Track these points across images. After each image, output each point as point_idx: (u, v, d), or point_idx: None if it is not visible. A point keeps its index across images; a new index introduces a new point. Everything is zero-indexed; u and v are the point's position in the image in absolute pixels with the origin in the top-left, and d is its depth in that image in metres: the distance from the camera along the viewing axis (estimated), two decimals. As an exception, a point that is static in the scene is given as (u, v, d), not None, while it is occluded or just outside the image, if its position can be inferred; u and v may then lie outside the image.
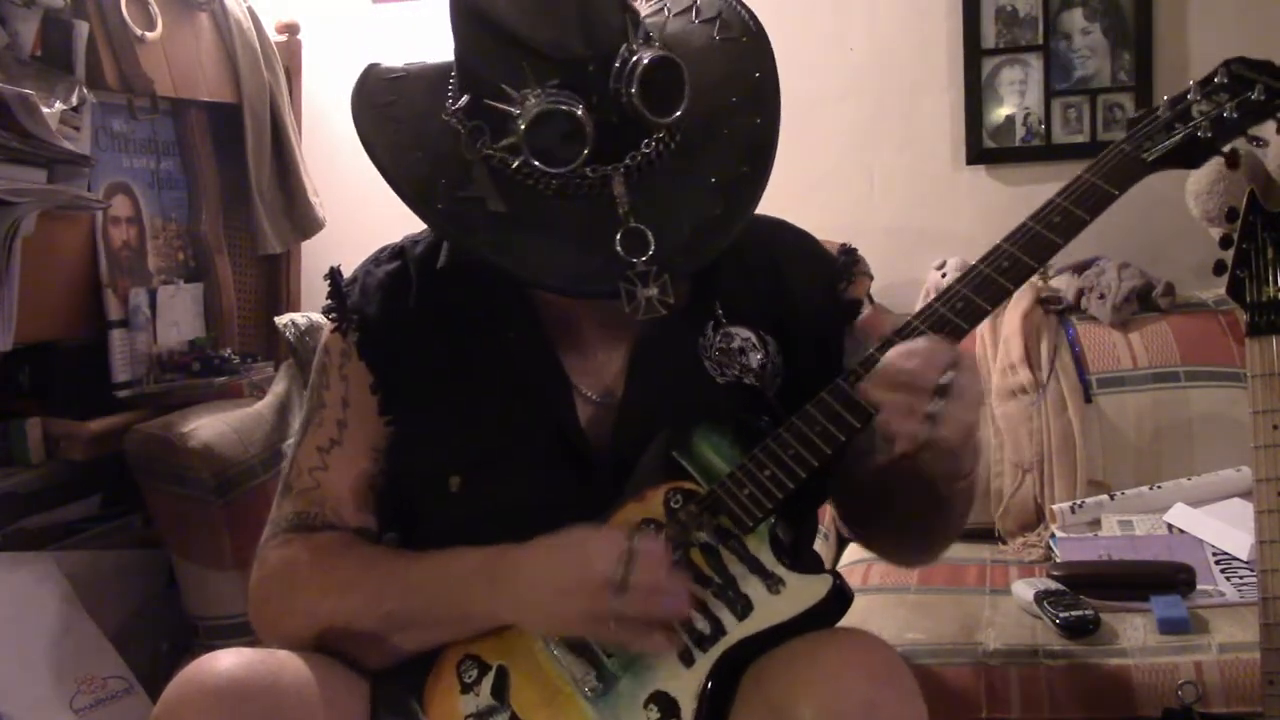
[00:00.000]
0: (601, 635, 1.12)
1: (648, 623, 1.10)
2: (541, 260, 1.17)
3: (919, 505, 1.24)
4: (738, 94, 1.21)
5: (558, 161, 1.14)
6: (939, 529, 1.32)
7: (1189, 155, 1.25)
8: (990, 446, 2.14)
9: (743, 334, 1.26)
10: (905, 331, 1.16)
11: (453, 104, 1.20)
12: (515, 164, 1.16)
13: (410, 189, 1.20)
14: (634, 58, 1.13)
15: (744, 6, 1.25)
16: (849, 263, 1.37)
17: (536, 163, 1.14)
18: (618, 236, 1.14)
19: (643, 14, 1.33)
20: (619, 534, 1.12)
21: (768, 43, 1.23)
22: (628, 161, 1.16)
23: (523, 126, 1.13)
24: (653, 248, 1.14)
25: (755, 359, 1.25)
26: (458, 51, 1.21)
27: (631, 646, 1.11)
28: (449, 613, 1.18)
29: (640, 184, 1.16)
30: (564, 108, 1.12)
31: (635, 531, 1.13)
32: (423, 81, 1.25)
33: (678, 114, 1.16)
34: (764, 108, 1.20)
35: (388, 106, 1.26)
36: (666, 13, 1.29)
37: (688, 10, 1.28)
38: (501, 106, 1.15)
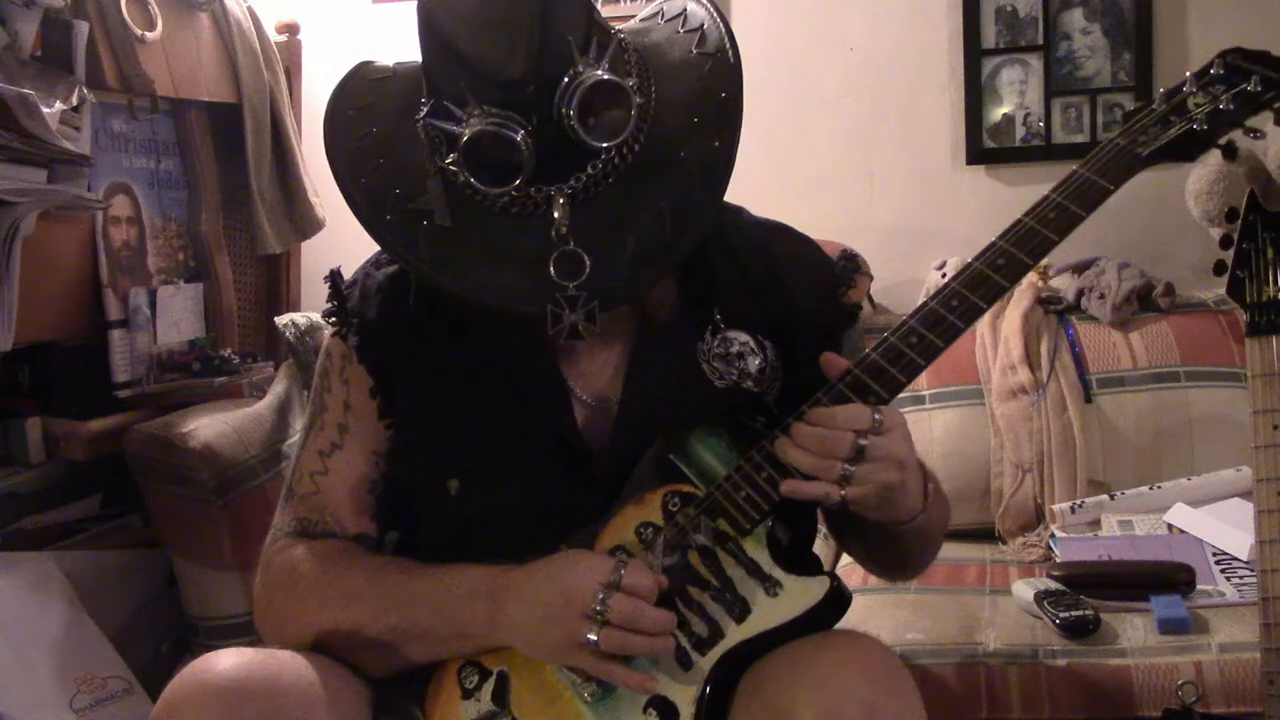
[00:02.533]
0: (583, 664, 1.12)
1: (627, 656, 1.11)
2: (479, 277, 1.16)
3: (875, 539, 1.28)
4: (701, 114, 1.18)
5: (495, 182, 1.13)
6: (900, 561, 1.35)
7: (1185, 148, 1.25)
8: (990, 446, 2.15)
9: (741, 338, 1.26)
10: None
11: (421, 112, 1.19)
12: (461, 179, 1.15)
13: (363, 199, 1.20)
14: (576, 80, 1.11)
15: (724, 22, 1.23)
16: (850, 269, 1.37)
17: (474, 181, 1.14)
18: (552, 258, 1.13)
19: (639, 17, 1.32)
20: (605, 563, 1.12)
21: (739, 62, 1.20)
22: (572, 183, 1.14)
23: (461, 145, 1.12)
24: (587, 272, 1.13)
25: (754, 364, 1.25)
26: (422, 62, 1.21)
27: (610, 678, 1.12)
28: (449, 630, 1.18)
29: (585, 205, 1.15)
30: (500, 131, 1.11)
31: (623, 560, 1.12)
32: (406, 84, 1.24)
33: (620, 139, 1.14)
34: (724, 130, 1.17)
35: (364, 110, 1.25)
36: (660, 18, 1.28)
37: (677, 17, 1.26)
38: (444, 125, 1.14)
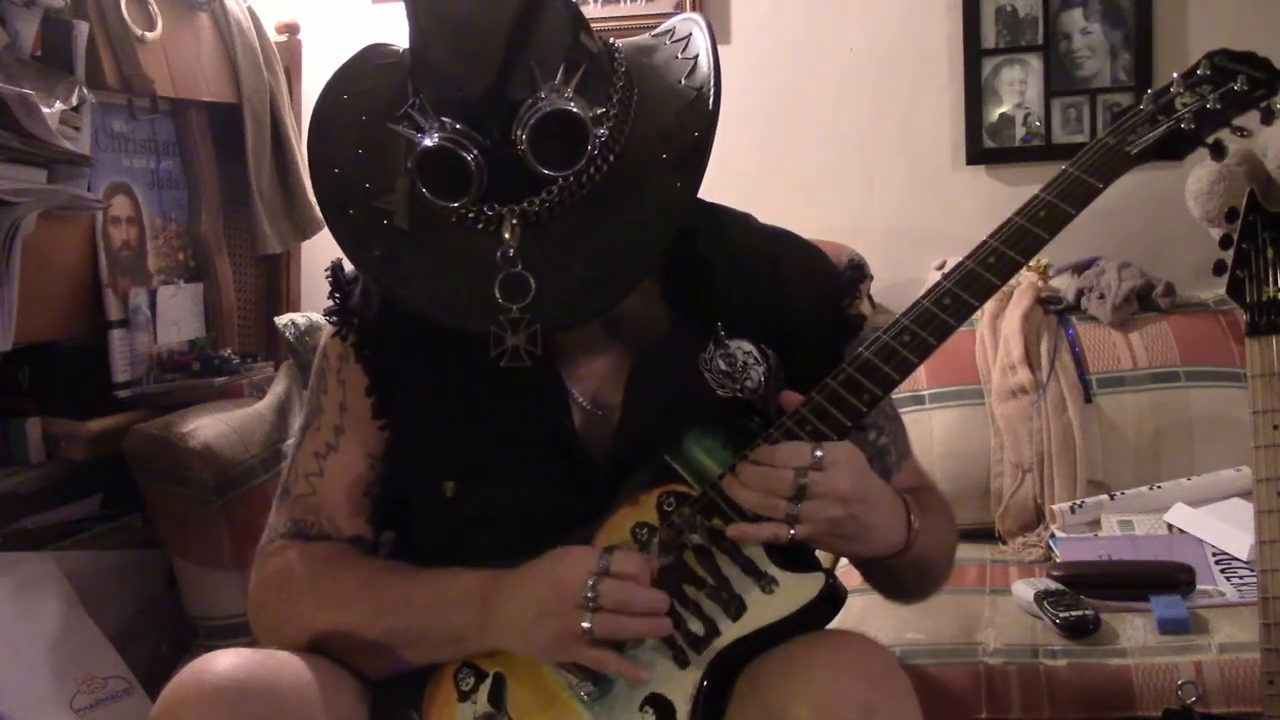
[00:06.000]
0: (581, 657, 1.11)
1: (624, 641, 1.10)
2: (424, 285, 1.16)
3: (866, 566, 1.27)
4: (670, 151, 1.17)
5: (446, 196, 1.13)
6: (896, 588, 1.34)
7: (1173, 147, 1.26)
8: (990, 446, 2.15)
9: (745, 348, 1.26)
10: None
11: (401, 110, 1.17)
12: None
13: (329, 191, 1.20)
14: (534, 107, 1.10)
15: (715, 58, 1.21)
16: (855, 279, 1.36)
17: (426, 193, 1.13)
18: (498, 279, 1.13)
19: (655, 31, 1.31)
20: (592, 552, 1.11)
21: (718, 106, 1.18)
22: (524, 205, 1.14)
23: (414, 156, 1.12)
24: (531, 296, 1.12)
25: (757, 374, 1.25)
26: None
27: (606, 668, 1.11)
28: (444, 634, 1.18)
29: (537, 229, 1.14)
30: (450, 148, 1.10)
31: (613, 545, 1.12)
32: (405, 75, 1.22)
33: (571, 170, 1.13)
34: (688, 172, 1.15)
35: (359, 95, 1.24)
36: (670, 37, 1.27)
37: (682, 41, 1.25)
38: (406, 131, 1.14)
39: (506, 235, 1.13)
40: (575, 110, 1.11)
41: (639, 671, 1.11)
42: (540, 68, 1.11)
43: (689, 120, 1.18)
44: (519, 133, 1.10)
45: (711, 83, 1.19)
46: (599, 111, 1.15)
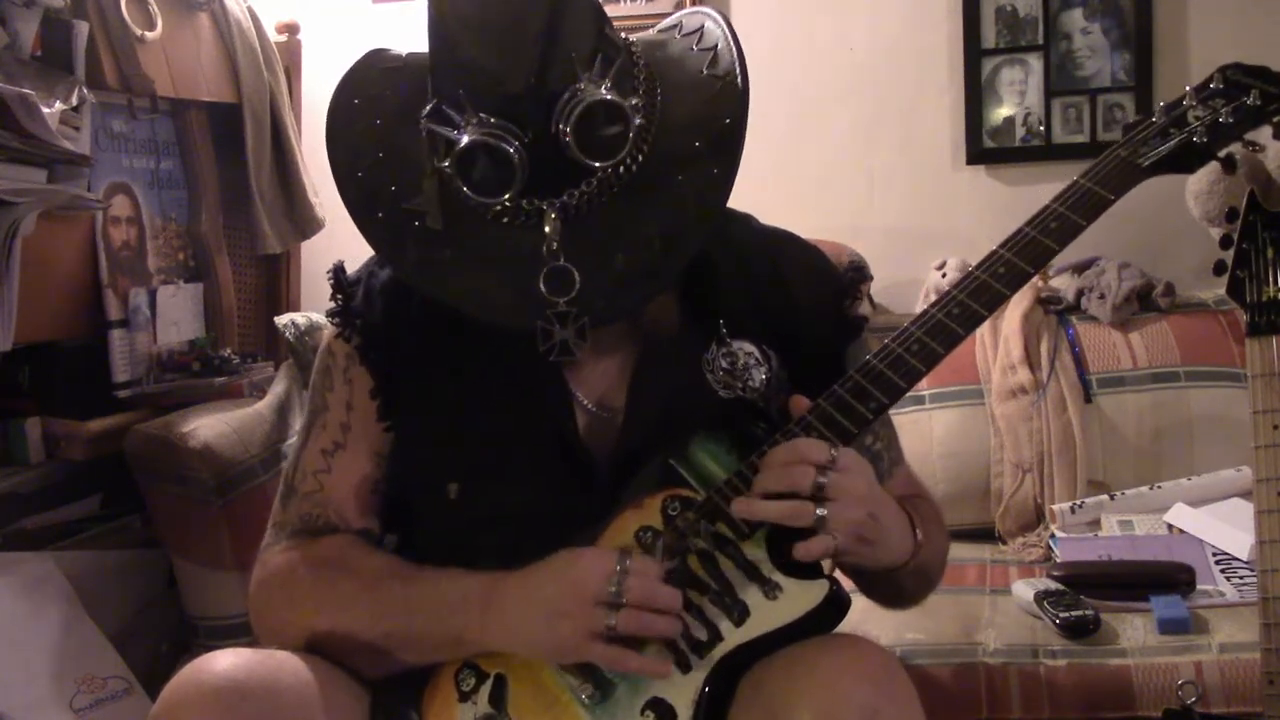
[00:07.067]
0: (596, 656, 1.11)
1: (643, 639, 1.10)
2: (465, 284, 1.16)
3: (871, 576, 1.26)
4: (703, 139, 1.17)
5: (487, 192, 1.13)
6: (897, 595, 1.34)
7: (1185, 160, 1.27)
8: (990, 446, 2.15)
9: (746, 348, 1.26)
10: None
11: (424, 110, 1.17)
12: (455, 185, 1.14)
13: (356, 194, 1.19)
14: (575, 98, 1.11)
15: (737, 45, 1.22)
16: (856, 280, 1.36)
17: (466, 190, 1.13)
18: (542, 273, 1.13)
19: (659, 27, 1.31)
20: (609, 552, 1.12)
21: (747, 89, 1.19)
22: (564, 198, 1.14)
23: (454, 154, 1.11)
24: (577, 289, 1.12)
25: (759, 376, 1.25)
26: (428, 58, 1.20)
27: (627, 666, 1.10)
28: (444, 636, 1.18)
29: (577, 221, 1.14)
30: (494, 143, 1.10)
31: (626, 548, 1.12)
32: (414, 77, 1.22)
33: (615, 159, 1.13)
34: (723, 159, 1.16)
35: (370, 100, 1.24)
36: (679, 31, 1.28)
37: (694, 33, 1.25)
38: (441, 129, 1.13)
39: (548, 229, 1.13)
40: (617, 100, 1.12)
41: (662, 666, 1.10)
42: (577, 59, 1.12)
43: (718, 107, 1.18)
44: (561, 125, 1.11)
45: (737, 68, 1.19)
46: (634, 102, 1.15)
